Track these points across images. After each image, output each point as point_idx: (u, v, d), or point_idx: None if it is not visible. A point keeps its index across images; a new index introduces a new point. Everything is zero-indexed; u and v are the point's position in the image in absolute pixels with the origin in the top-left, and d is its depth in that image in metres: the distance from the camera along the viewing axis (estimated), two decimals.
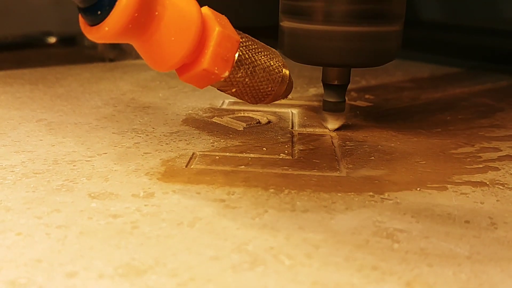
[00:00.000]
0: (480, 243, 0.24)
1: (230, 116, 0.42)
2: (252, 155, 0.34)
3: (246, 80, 0.32)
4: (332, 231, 0.24)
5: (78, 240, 0.23)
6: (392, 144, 0.37)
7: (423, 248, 0.23)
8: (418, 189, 0.29)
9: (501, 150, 0.36)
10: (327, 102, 0.38)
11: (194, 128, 0.39)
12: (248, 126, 0.39)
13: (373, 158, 0.34)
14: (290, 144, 0.36)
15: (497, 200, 0.28)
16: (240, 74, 0.31)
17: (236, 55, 0.31)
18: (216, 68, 0.30)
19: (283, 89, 0.34)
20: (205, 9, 0.30)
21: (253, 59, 0.32)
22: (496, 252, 0.23)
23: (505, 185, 0.30)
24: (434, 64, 0.69)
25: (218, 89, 0.33)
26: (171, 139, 0.36)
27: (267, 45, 0.34)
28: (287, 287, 0.20)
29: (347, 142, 0.37)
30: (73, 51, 0.71)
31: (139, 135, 0.37)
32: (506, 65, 0.66)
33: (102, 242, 0.23)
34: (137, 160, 0.32)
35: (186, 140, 0.36)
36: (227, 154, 0.34)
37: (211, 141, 0.36)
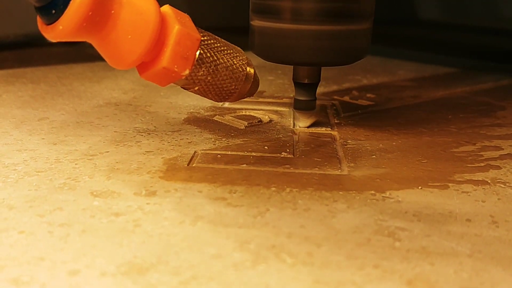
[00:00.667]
0: (481, 242, 0.24)
1: (231, 114, 0.42)
2: (253, 154, 0.34)
3: (208, 78, 0.32)
4: (334, 229, 0.24)
5: (80, 238, 0.23)
6: (394, 143, 0.37)
7: (424, 247, 0.23)
8: (420, 187, 0.29)
9: (503, 149, 0.36)
10: (298, 101, 0.39)
11: (195, 127, 0.39)
12: (249, 124, 0.40)
13: (374, 156, 0.34)
14: (292, 142, 0.36)
15: (499, 199, 0.28)
16: (202, 72, 0.31)
17: (197, 53, 0.31)
18: (175, 66, 0.30)
19: (248, 88, 0.34)
20: (166, 8, 0.30)
21: (215, 58, 0.32)
22: (497, 251, 0.23)
23: (507, 184, 0.30)
24: (435, 64, 0.69)
25: (181, 87, 0.33)
26: (173, 138, 0.36)
27: (237, 45, 0.34)
28: (288, 285, 0.20)
29: (348, 141, 0.37)
30: (75, 50, 0.71)
31: (140, 133, 0.37)
32: (507, 64, 0.66)
33: (105, 240, 0.23)
34: (139, 159, 0.32)
35: (187, 138, 0.36)
36: (229, 152, 0.34)
37: (213, 139, 0.36)
